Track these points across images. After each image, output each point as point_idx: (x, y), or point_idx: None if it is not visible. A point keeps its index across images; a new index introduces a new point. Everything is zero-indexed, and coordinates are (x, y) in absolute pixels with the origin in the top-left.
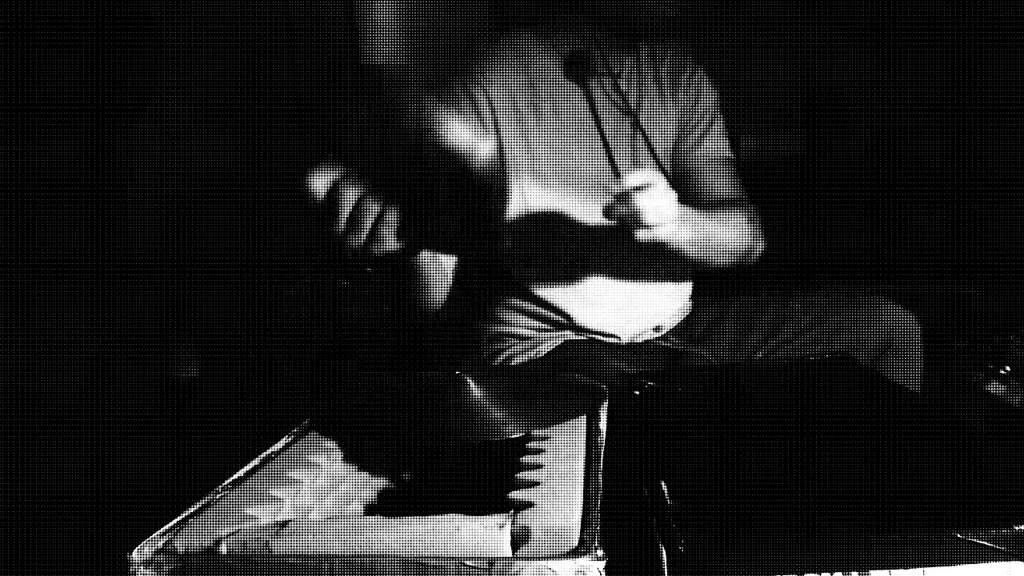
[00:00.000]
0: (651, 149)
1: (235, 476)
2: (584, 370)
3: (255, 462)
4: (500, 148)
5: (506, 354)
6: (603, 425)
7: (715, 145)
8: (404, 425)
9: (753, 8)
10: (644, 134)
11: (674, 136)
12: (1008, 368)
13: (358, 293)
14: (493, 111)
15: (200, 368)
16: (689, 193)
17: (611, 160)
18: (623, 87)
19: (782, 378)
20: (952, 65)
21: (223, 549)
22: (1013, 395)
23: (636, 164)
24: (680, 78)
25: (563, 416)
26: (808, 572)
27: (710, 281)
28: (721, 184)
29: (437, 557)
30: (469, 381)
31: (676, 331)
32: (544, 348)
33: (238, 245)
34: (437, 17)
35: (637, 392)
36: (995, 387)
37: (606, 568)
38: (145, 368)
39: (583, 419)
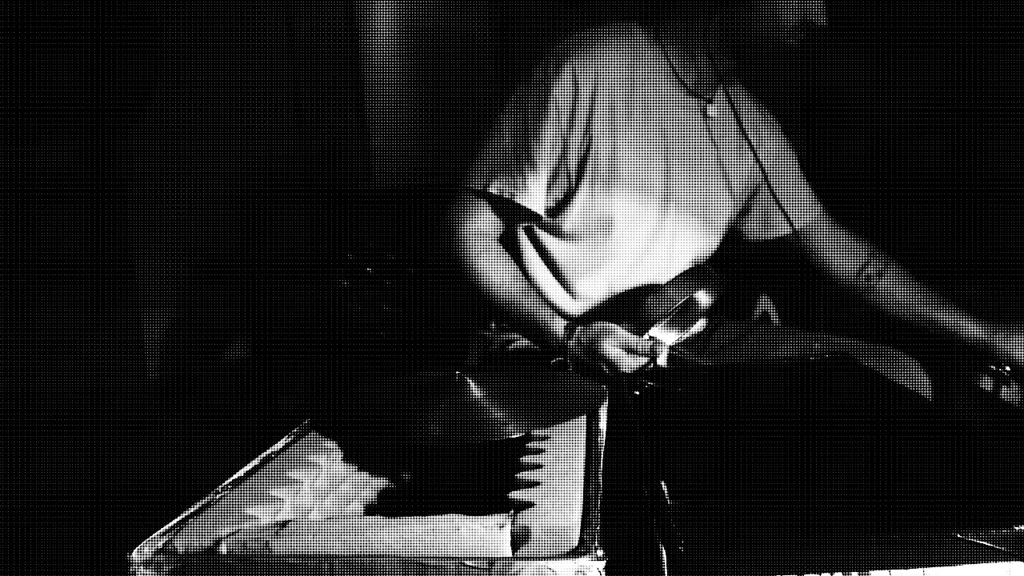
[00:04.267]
0: (728, 183)
1: (235, 476)
2: (585, 370)
3: (255, 462)
4: (587, 144)
5: (506, 336)
6: (603, 425)
7: (806, 213)
8: (404, 425)
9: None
10: (722, 167)
11: (742, 189)
12: (1008, 368)
13: (358, 293)
14: (592, 102)
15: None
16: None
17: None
18: (711, 114)
19: (782, 378)
20: (952, 65)
21: (223, 549)
22: (1013, 395)
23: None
24: (763, 135)
25: (563, 416)
26: (808, 572)
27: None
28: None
29: (437, 557)
30: (469, 381)
31: (691, 344)
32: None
33: (238, 245)
34: (437, 17)
35: (637, 392)
36: (1006, 393)
37: (606, 568)
38: (145, 368)
39: (583, 419)
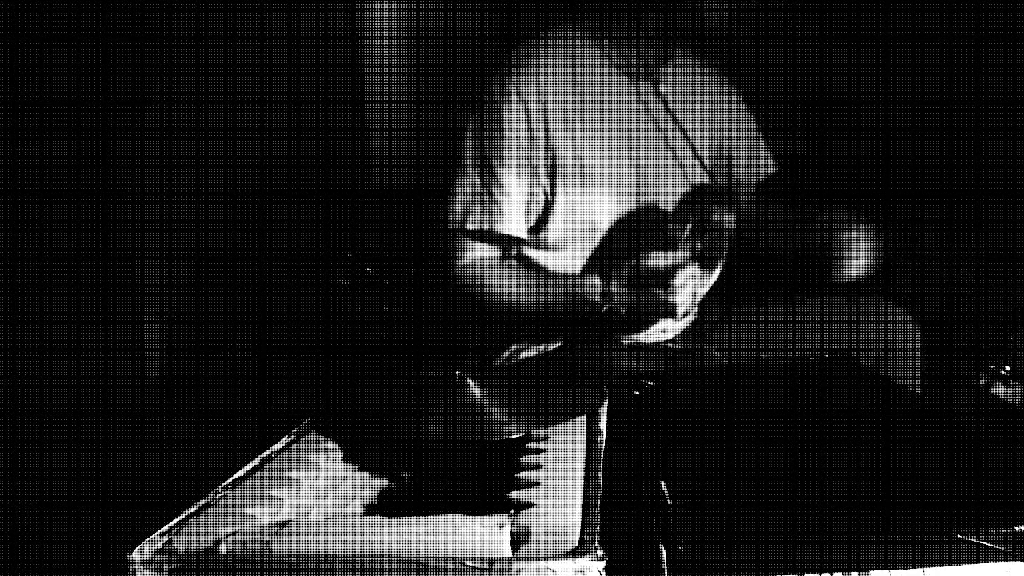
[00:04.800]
0: (696, 153)
1: (235, 476)
2: (588, 368)
3: (255, 462)
4: (551, 157)
5: (511, 349)
6: (603, 425)
7: (763, 169)
8: (404, 425)
9: (753, 8)
10: (688, 138)
11: (712, 156)
12: (1008, 368)
13: (358, 293)
14: (545, 114)
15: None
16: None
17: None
18: (663, 90)
19: (782, 378)
20: (952, 65)
21: (223, 549)
22: (1013, 395)
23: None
24: (718, 98)
25: (563, 416)
26: (808, 572)
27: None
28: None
29: (437, 557)
30: (469, 381)
31: (681, 333)
32: (550, 345)
33: (238, 245)
34: (437, 17)
35: (637, 392)
36: (997, 388)
37: (606, 568)
38: (145, 368)
39: (583, 419)
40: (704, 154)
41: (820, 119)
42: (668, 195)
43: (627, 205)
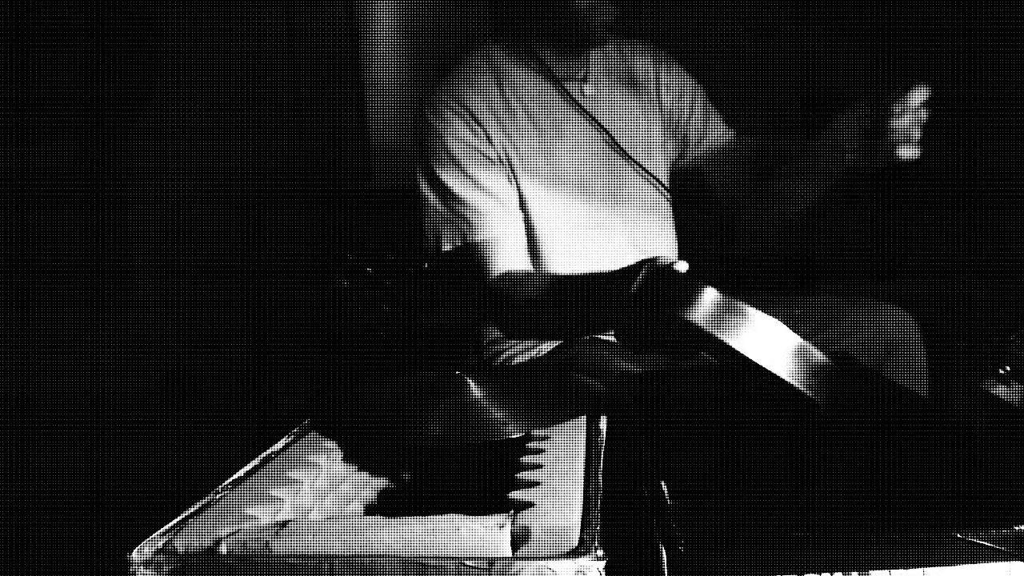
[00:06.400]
0: (620, 149)
1: (235, 476)
2: (588, 369)
3: (255, 462)
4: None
5: (507, 353)
6: (603, 425)
7: (718, 136)
8: (404, 425)
9: (753, 8)
10: (610, 136)
11: (664, 135)
12: (1008, 368)
13: (358, 293)
14: (477, 119)
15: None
16: (700, 182)
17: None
18: (587, 91)
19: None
20: (952, 65)
21: (223, 549)
22: (1013, 395)
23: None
24: (658, 77)
25: (563, 416)
26: (808, 572)
27: (709, 281)
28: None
29: (437, 557)
30: (469, 381)
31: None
32: (545, 347)
33: (238, 245)
34: (437, 17)
35: (637, 392)
36: (997, 388)
37: (606, 568)
38: (145, 368)
39: (583, 419)
40: (632, 150)
41: (820, 119)
42: (617, 192)
43: (578, 204)
